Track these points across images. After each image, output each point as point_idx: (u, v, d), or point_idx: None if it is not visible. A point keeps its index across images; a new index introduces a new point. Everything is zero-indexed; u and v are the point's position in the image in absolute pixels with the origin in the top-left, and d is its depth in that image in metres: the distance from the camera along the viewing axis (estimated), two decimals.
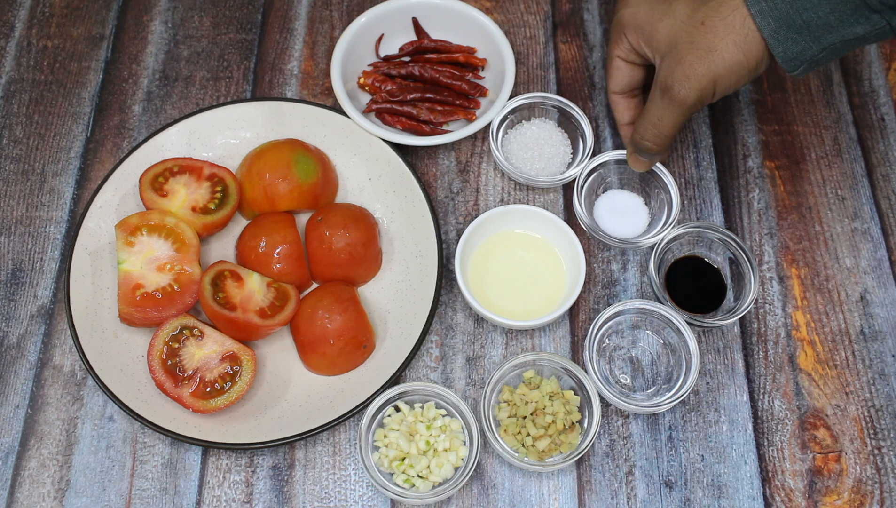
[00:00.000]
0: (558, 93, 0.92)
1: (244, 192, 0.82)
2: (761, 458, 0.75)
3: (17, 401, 0.77)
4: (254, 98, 0.90)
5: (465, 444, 0.74)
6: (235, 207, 0.83)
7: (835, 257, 0.84)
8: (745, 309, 0.77)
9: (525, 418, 0.74)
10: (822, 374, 0.79)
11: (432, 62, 0.91)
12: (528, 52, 0.94)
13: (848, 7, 0.65)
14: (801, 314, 0.81)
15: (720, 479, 0.75)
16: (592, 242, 0.84)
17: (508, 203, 0.86)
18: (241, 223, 0.85)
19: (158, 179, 0.82)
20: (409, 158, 0.86)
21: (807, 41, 0.68)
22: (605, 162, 0.84)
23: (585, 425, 0.74)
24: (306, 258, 0.81)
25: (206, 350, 0.75)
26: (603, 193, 0.86)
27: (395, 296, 0.81)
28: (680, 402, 0.77)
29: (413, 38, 0.94)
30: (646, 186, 0.85)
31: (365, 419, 0.72)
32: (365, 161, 0.86)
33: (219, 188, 0.82)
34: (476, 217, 0.81)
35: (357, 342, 0.77)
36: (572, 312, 0.81)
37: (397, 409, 0.75)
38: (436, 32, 0.93)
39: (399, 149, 0.84)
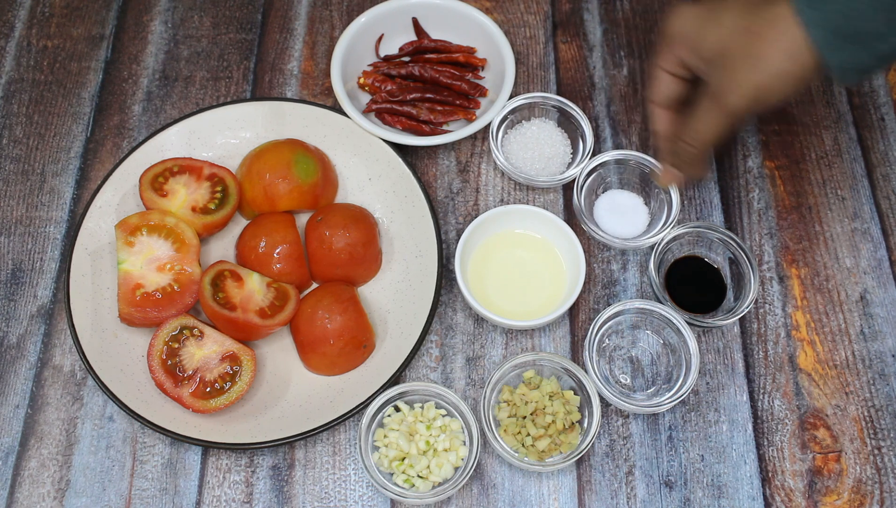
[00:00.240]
0: (558, 93, 0.92)
1: (244, 192, 0.82)
2: (761, 458, 0.75)
3: (17, 401, 0.77)
4: (254, 98, 0.90)
5: (465, 444, 0.74)
6: (235, 207, 0.83)
7: (835, 257, 0.84)
8: (745, 309, 0.77)
9: (525, 418, 0.74)
10: (822, 374, 0.79)
11: (432, 62, 0.91)
12: (528, 52, 0.94)
13: None
14: (801, 314, 0.81)
15: (720, 479, 0.75)
16: (592, 242, 0.84)
17: (508, 203, 0.86)
18: (241, 223, 0.85)
19: (158, 179, 0.82)
20: (409, 158, 0.86)
21: (859, 51, 0.66)
22: (605, 162, 0.84)
23: (585, 425, 0.74)
24: (306, 258, 0.81)
25: (206, 350, 0.75)
26: (603, 193, 0.86)
27: (395, 296, 0.81)
28: (680, 402, 0.77)
29: (413, 38, 0.94)
30: (646, 186, 0.85)
31: (365, 419, 0.72)
32: (365, 161, 0.86)
33: (219, 188, 0.82)
34: (476, 217, 0.81)
35: (357, 342, 0.77)
36: (572, 312, 0.81)
37: (397, 409, 0.75)
38: (436, 32, 0.93)
39: (399, 149, 0.84)
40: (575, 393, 0.75)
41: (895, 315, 0.81)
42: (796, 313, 0.81)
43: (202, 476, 0.75)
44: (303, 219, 0.85)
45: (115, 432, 0.76)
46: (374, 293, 0.82)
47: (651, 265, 0.79)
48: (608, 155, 0.84)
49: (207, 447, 0.73)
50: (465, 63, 0.91)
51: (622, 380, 0.78)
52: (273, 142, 0.84)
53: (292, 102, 0.87)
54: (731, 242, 0.80)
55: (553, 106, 0.87)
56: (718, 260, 0.82)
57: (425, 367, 0.79)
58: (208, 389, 0.74)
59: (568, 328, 0.81)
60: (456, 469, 0.73)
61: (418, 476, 0.72)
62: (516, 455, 0.73)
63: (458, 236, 0.83)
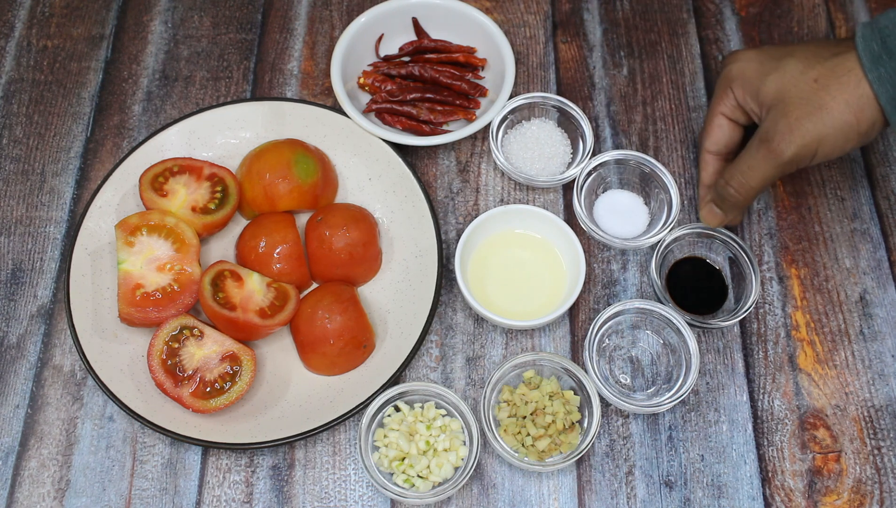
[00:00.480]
0: (558, 93, 0.92)
1: (244, 192, 0.82)
2: (761, 458, 0.75)
3: (17, 401, 0.77)
4: (254, 98, 0.90)
5: (465, 444, 0.74)
6: (235, 207, 0.83)
7: (834, 257, 0.84)
8: (746, 310, 0.77)
9: (525, 418, 0.74)
10: (821, 374, 0.79)
11: (432, 62, 0.91)
12: (528, 52, 0.94)
13: None
14: (800, 314, 0.81)
15: (720, 479, 0.75)
16: (592, 242, 0.84)
17: (508, 203, 0.86)
18: (241, 223, 0.85)
19: (158, 179, 0.82)
20: (409, 158, 0.86)
21: None
22: (604, 162, 0.84)
23: (585, 425, 0.74)
24: (306, 258, 0.81)
25: (206, 350, 0.75)
26: (603, 193, 0.86)
27: (395, 296, 0.81)
28: (680, 402, 0.77)
29: (413, 38, 0.94)
30: (646, 186, 0.85)
31: (365, 419, 0.72)
32: (365, 161, 0.86)
33: (219, 188, 0.82)
34: (476, 217, 0.81)
35: (357, 342, 0.77)
36: (572, 312, 0.81)
37: (397, 409, 0.75)
38: (436, 32, 0.93)
39: (399, 149, 0.84)
40: (575, 393, 0.75)
41: (895, 315, 0.81)
42: (796, 313, 0.81)
43: (202, 476, 0.75)
44: (303, 219, 0.85)
45: (115, 432, 0.76)
46: (374, 293, 0.82)
47: (652, 266, 0.79)
48: (608, 155, 0.84)
49: (207, 447, 0.73)
50: (465, 63, 0.91)
51: (622, 380, 0.78)
52: (273, 142, 0.84)
53: (292, 102, 0.87)
54: (732, 242, 0.80)
55: (553, 106, 0.87)
56: (719, 261, 0.82)
57: (425, 367, 0.79)
58: (208, 389, 0.74)
59: (568, 328, 0.81)
60: (456, 469, 0.73)
61: (418, 476, 0.72)
62: (516, 455, 0.73)
63: (458, 236, 0.83)
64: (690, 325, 0.77)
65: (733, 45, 0.95)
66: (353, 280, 0.81)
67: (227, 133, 0.86)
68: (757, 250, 0.84)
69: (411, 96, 0.88)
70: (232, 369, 0.75)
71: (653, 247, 0.82)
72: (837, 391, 0.78)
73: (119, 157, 0.88)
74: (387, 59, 0.93)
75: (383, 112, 0.88)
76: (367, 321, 0.78)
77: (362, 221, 0.81)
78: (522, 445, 0.73)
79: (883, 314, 0.81)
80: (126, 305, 0.76)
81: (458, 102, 0.89)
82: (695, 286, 0.82)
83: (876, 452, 0.76)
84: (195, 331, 0.76)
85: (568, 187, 0.87)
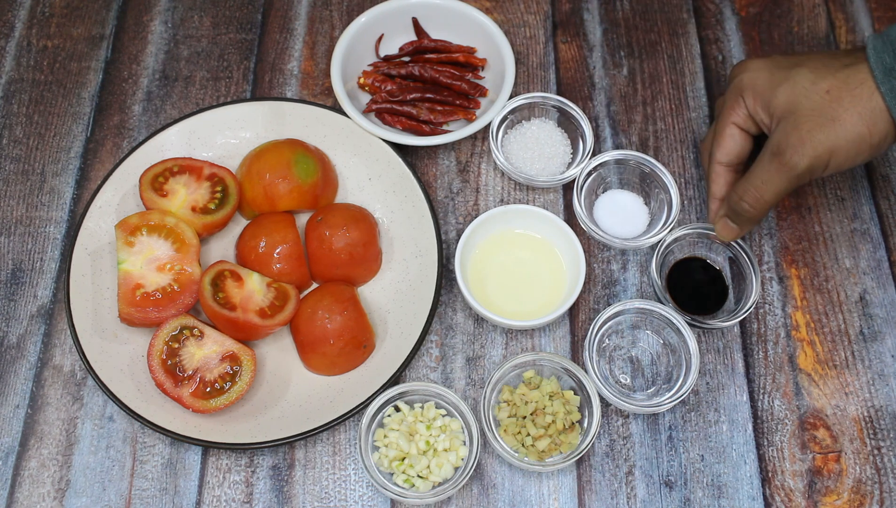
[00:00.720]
0: (558, 93, 0.92)
1: (244, 192, 0.82)
2: (761, 458, 0.75)
3: (17, 401, 0.77)
4: (254, 98, 0.90)
5: (465, 444, 0.74)
6: (235, 207, 0.83)
7: (834, 257, 0.84)
8: (746, 311, 0.77)
9: (525, 418, 0.74)
10: (821, 374, 0.79)
11: (432, 62, 0.91)
12: (528, 52, 0.94)
13: None
14: (800, 314, 0.81)
15: (720, 479, 0.75)
16: (592, 242, 0.84)
17: (508, 203, 0.86)
18: (241, 223, 0.85)
19: (158, 179, 0.82)
20: (409, 158, 0.86)
21: None
22: (604, 162, 0.84)
23: (585, 425, 0.74)
24: (306, 258, 0.81)
25: (206, 350, 0.75)
26: (603, 193, 0.86)
27: (395, 296, 0.81)
28: (680, 402, 0.77)
29: (413, 38, 0.94)
30: (646, 186, 0.85)
31: (365, 419, 0.72)
32: (365, 161, 0.86)
33: (219, 188, 0.82)
34: (476, 217, 0.81)
35: (357, 342, 0.77)
36: (572, 312, 0.81)
37: (397, 409, 0.75)
38: (436, 32, 0.93)
39: (399, 149, 0.84)
40: (575, 393, 0.75)
41: (895, 316, 0.81)
42: (796, 313, 0.81)
43: (202, 476, 0.75)
44: (303, 219, 0.85)
45: (115, 432, 0.76)
46: (374, 293, 0.82)
47: (653, 266, 0.79)
48: (608, 155, 0.84)
49: (207, 447, 0.73)
50: (465, 63, 0.91)
51: (622, 380, 0.78)
52: (273, 142, 0.84)
53: (292, 102, 0.87)
54: (734, 243, 0.80)
55: (553, 106, 0.87)
56: (720, 261, 0.82)
57: (425, 367, 0.79)
58: (208, 389, 0.74)
59: (568, 328, 0.81)
60: (456, 469, 0.73)
61: (418, 476, 0.72)
62: (516, 455, 0.73)
63: (458, 236, 0.83)
64: (690, 325, 0.77)
65: (733, 45, 0.95)
66: (353, 280, 0.81)
67: (227, 133, 0.86)
68: (757, 250, 0.84)
69: (411, 96, 0.88)
70: (232, 369, 0.75)
71: (653, 247, 0.82)
72: (837, 391, 0.78)
73: (119, 157, 0.88)
74: (387, 59, 0.93)
75: (383, 112, 0.88)
76: (367, 321, 0.78)
77: (362, 221, 0.81)
78: (522, 445, 0.73)
79: (883, 314, 0.81)
80: (126, 305, 0.76)
81: (458, 102, 0.89)
82: (695, 287, 0.82)
83: (876, 452, 0.76)
84: (195, 331, 0.76)
85: (568, 187, 0.87)
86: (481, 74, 0.92)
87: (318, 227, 0.80)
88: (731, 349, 0.80)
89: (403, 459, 0.72)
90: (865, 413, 0.77)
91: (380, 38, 0.93)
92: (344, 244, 0.79)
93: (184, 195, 0.81)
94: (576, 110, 0.86)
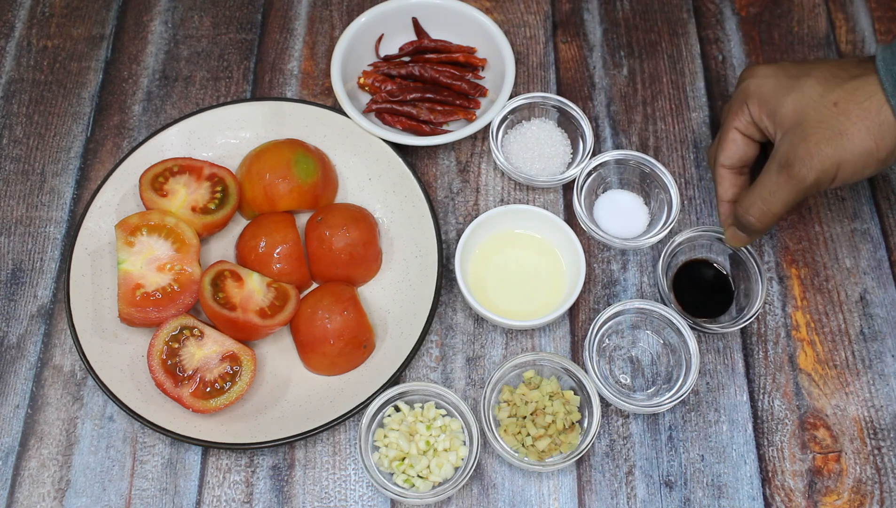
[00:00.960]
0: (558, 93, 0.92)
1: (244, 192, 0.82)
2: (761, 458, 0.75)
3: (17, 401, 0.77)
4: (254, 98, 0.90)
5: (465, 444, 0.74)
6: (235, 207, 0.83)
7: (834, 257, 0.84)
8: (752, 315, 0.77)
9: (525, 418, 0.74)
10: (822, 374, 0.79)
11: (432, 62, 0.91)
12: (528, 52, 0.94)
13: None
14: (801, 314, 0.81)
15: (720, 479, 0.75)
16: (592, 242, 0.84)
17: (508, 203, 0.86)
18: (241, 223, 0.85)
19: (158, 179, 0.82)
20: (409, 158, 0.86)
21: None
22: (604, 162, 0.84)
23: (585, 425, 0.74)
24: (306, 258, 0.81)
25: (206, 350, 0.75)
26: (603, 193, 0.86)
27: (395, 296, 0.81)
28: (680, 402, 0.77)
29: (413, 38, 0.94)
30: (646, 186, 0.85)
31: (365, 419, 0.72)
32: (365, 161, 0.86)
33: (219, 188, 0.82)
34: (476, 217, 0.81)
35: (357, 342, 0.77)
36: (572, 312, 0.81)
37: (397, 409, 0.75)
38: (436, 32, 0.93)
39: (399, 149, 0.84)
40: (575, 393, 0.75)
41: (895, 315, 0.81)
42: (796, 313, 0.81)
43: (202, 476, 0.75)
44: (303, 219, 0.85)
45: (115, 432, 0.76)
46: (374, 293, 0.82)
47: (659, 269, 0.79)
48: (608, 155, 0.84)
49: (207, 447, 0.73)
50: (465, 63, 0.91)
51: (622, 380, 0.78)
52: (273, 142, 0.84)
53: (292, 102, 0.87)
54: (743, 249, 0.80)
55: (553, 106, 0.87)
56: (726, 264, 0.82)
57: (425, 367, 0.79)
58: (208, 389, 0.74)
59: (568, 328, 0.81)
60: (456, 469, 0.73)
61: (418, 476, 0.72)
62: (516, 455, 0.73)
63: (458, 236, 0.83)
64: (693, 329, 0.77)
65: (733, 45, 0.95)
66: (353, 280, 0.81)
67: (227, 133, 0.86)
68: (757, 250, 0.84)
69: (411, 96, 0.88)
70: (232, 369, 0.75)
71: (653, 247, 0.82)
72: (837, 391, 0.78)
73: (119, 157, 0.88)
74: (387, 59, 0.93)
75: (383, 112, 0.88)
76: (367, 321, 0.78)
77: (362, 221, 0.81)
78: (522, 445, 0.73)
79: (883, 314, 0.81)
80: (126, 305, 0.76)
81: (458, 102, 0.89)
82: (700, 290, 0.81)
83: (876, 452, 0.76)
84: (195, 331, 0.76)
85: (568, 187, 0.87)
86: (481, 73, 0.92)
87: (318, 227, 0.80)
88: (731, 349, 0.80)
89: (403, 459, 0.72)
90: (865, 413, 0.77)
91: (380, 38, 0.93)
92: (344, 244, 0.79)
93: (184, 195, 0.81)
94: (576, 110, 0.86)
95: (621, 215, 0.84)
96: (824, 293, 0.82)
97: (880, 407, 0.77)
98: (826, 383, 0.78)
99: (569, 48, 0.95)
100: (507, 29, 0.95)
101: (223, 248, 0.84)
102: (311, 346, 0.77)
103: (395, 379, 0.75)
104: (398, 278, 0.82)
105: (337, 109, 0.86)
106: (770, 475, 0.75)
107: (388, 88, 0.89)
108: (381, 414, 0.74)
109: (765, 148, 0.77)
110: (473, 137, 0.89)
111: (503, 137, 0.88)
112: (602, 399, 0.76)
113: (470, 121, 0.88)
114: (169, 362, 0.75)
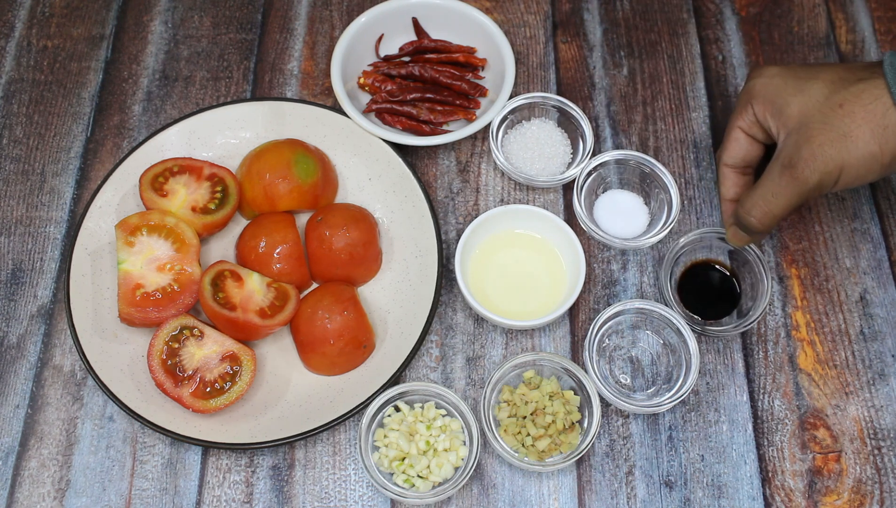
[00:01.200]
0: (558, 93, 0.92)
1: (244, 192, 0.82)
2: (761, 458, 0.75)
3: (17, 401, 0.77)
4: (254, 98, 0.90)
5: (465, 444, 0.74)
6: (235, 207, 0.83)
7: (834, 257, 0.84)
8: (758, 317, 0.77)
9: (525, 418, 0.74)
10: (822, 374, 0.79)
11: (432, 62, 0.91)
12: (528, 52, 0.94)
13: None
14: (801, 314, 0.81)
15: (720, 479, 0.75)
16: (592, 242, 0.84)
17: (508, 203, 0.86)
18: (241, 223, 0.85)
19: (158, 179, 0.82)
20: (409, 158, 0.86)
21: None
22: (605, 162, 0.84)
23: (585, 425, 0.74)
24: (306, 258, 0.81)
25: (206, 350, 0.75)
26: (603, 193, 0.86)
27: (395, 296, 0.81)
28: (680, 402, 0.77)
29: (413, 38, 0.94)
30: (646, 186, 0.85)
31: (365, 419, 0.72)
32: (365, 161, 0.86)
33: (219, 188, 0.82)
34: (476, 217, 0.81)
35: (357, 342, 0.77)
36: (572, 312, 0.81)
37: (397, 409, 0.75)
38: (436, 32, 0.93)
39: (399, 149, 0.84)
40: (575, 393, 0.75)
41: (895, 315, 0.81)
42: (796, 313, 0.81)
43: (202, 476, 0.75)
44: (303, 219, 0.85)
45: (115, 432, 0.76)
46: (374, 293, 0.82)
47: (662, 271, 0.79)
48: (608, 155, 0.84)
49: (207, 447, 0.73)
50: (465, 63, 0.91)
51: (622, 380, 0.78)
52: (273, 142, 0.84)
53: (292, 102, 0.87)
54: (749, 250, 0.80)
55: (553, 106, 0.87)
56: (730, 265, 0.82)
57: (425, 367, 0.79)
58: (208, 389, 0.74)
59: (568, 328, 0.81)
60: (456, 469, 0.73)
61: (418, 476, 0.72)
62: (516, 455, 0.73)
63: (458, 236, 0.83)
64: (693, 330, 0.77)
65: (733, 45, 0.95)
66: (353, 280, 0.81)
67: (227, 133, 0.86)
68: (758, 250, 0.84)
69: (411, 96, 0.88)
70: (232, 369, 0.75)
71: (653, 247, 0.81)
72: (837, 391, 0.78)
73: (119, 157, 0.88)
74: (387, 59, 0.93)
75: (383, 112, 0.88)
76: (367, 321, 0.78)
77: (362, 221, 0.81)
78: (522, 445, 0.73)
79: (883, 314, 0.81)
80: (126, 305, 0.76)
81: (458, 102, 0.89)
82: (705, 291, 0.81)
83: (876, 452, 0.76)
84: (195, 331, 0.76)
85: (568, 187, 0.87)
86: (481, 74, 0.92)
87: (318, 227, 0.80)
88: (731, 349, 0.80)
89: (403, 459, 0.72)
90: (865, 413, 0.77)
91: (380, 38, 0.93)
92: (344, 244, 0.79)
93: (184, 195, 0.81)
94: (576, 110, 0.86)
95: (621, 215, 0.84)
96: (824, 293, 0.82)
97: (880, 407, 0.77)
98: (826, 383, 0.78)
99: (569, 48, 0.95)
100: (507, 29, 0.95)
101: (223, 248, 0.84)
102: (311, 346, 0.77)
103: (395, 379, 0.75)
104: (398, 278, 0.82)
105: (337, 109, 0.86)
106: (770, 475, 0.75)
107: (388, 88, 0.89)
108: (381, 414, 0.74)
109: (769, 150, 0.77)
110: (473, 137, 0.89)
111: (503, 137, 0.88)
112: (602, 399, 0.76)
113: (470, 121, 0.88)
114: (169, 362, 0.75)
